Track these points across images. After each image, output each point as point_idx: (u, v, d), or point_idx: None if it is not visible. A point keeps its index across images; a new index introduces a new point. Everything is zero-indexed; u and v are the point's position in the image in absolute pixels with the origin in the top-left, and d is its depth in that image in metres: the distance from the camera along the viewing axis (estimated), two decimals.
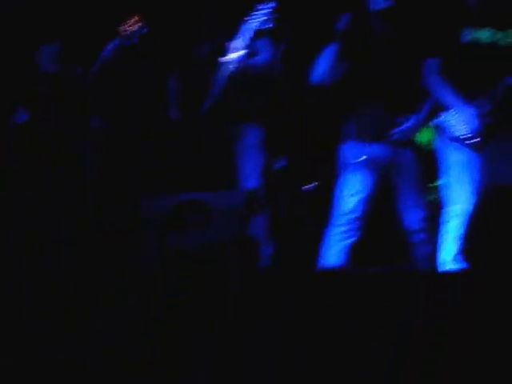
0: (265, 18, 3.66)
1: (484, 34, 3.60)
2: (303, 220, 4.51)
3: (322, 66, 3.72)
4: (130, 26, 3.81)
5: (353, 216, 3.75)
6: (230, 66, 3.78)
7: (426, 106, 3.77)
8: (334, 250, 3.74)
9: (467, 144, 3.56)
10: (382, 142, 3.76)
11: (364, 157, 3.72)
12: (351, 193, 3.75)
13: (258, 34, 3.70)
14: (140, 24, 3.81)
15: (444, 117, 3.63)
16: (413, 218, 3.81)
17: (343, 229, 3.75)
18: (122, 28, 3.85)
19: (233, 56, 3.76)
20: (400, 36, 3.75)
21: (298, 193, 4.62)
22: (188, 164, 4.17)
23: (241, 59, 3.74)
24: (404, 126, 3.75)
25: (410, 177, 3.81)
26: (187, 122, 4.04)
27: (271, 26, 3.69)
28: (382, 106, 3.75)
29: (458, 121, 3.57)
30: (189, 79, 4.03)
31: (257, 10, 3.71)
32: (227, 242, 3.51)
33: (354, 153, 3.76)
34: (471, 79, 3.58)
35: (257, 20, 3.68)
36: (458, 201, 3.56)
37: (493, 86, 3.58)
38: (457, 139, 3.58)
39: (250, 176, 3.98)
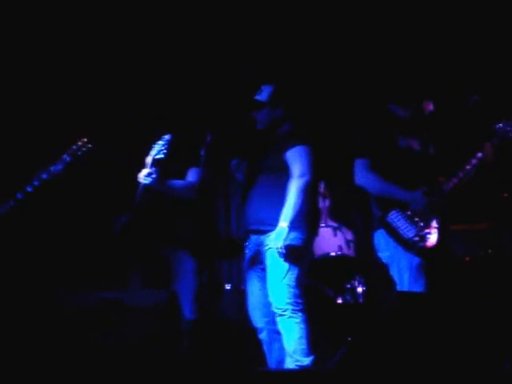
0: (161, 149, 3.99)
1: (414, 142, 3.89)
2: None
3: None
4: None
5: None
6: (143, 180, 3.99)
7: None
8: None
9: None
10: None
11: None
12: None
13: (155, 161, 3.98)
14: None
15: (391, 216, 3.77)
16: None
17: None
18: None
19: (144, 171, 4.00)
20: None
21: None
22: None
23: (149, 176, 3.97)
24: None
25: None
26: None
27: (163, 157, 3.98)
28: None
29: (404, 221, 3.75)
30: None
31: (157, 141, 4.02)
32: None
33: None
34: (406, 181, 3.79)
35: (156, 150, 4.00)
36: None
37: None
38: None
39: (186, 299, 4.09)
